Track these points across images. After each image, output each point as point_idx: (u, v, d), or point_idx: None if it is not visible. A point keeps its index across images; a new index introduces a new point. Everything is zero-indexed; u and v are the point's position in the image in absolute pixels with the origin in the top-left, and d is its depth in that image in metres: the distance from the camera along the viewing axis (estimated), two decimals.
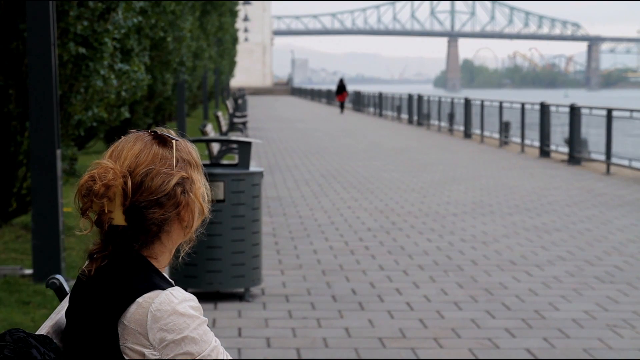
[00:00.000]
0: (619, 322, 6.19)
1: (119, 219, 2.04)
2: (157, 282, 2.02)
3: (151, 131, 2.11)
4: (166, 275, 2.14)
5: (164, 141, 2.10)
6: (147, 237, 2.07)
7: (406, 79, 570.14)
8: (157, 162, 2.07)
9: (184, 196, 2.09)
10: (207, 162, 8.82)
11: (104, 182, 2.02)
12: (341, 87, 48.93)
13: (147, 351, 1.96)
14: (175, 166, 2.08)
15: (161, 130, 2.11)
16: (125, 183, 2.03)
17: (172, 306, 1.97)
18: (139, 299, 1.96)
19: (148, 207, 2.04)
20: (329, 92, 64.81)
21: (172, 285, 2.04)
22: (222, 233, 6.51)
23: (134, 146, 2.08)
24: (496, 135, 24.38)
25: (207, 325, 2.01)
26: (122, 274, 2.02)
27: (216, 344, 2.00)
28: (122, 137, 2.12)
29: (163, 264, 2.13)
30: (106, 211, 2.04)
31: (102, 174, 2.02)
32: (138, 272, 2.03)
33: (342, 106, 48.01)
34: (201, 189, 2.14)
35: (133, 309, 1.96)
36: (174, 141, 2.10)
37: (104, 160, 2.07)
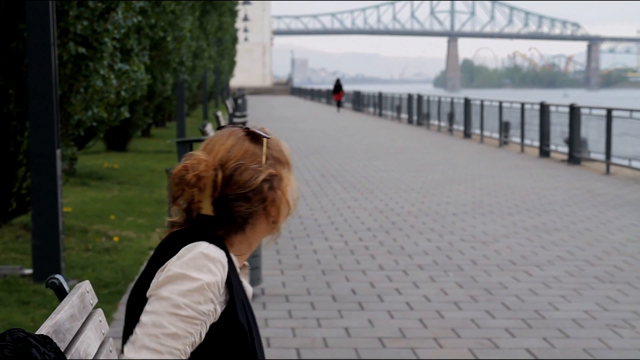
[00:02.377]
0: (619, 322, 6.19)
1: (207, 208, 2.15)
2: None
3: (244, 127, 2.21)
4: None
5: (255, 138, 2.20)
6: (231, 228, 2.16)
7: (406, 79, 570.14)
8: (248, 157, 2.16)
9: (271, 192, 2.17)
10: None
11: (195, 172, 2.12)
12: (338, 87, 51.03)
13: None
14: (265, 163, 2.17)
15: (254, 128, 2.21)
16: (216, 175, 2.13)
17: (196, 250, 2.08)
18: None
19: (235, 200, 2.13)
20: (328, 92, 64.82)
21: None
22: None
23: (226, 141, 2.18)
24: (496, 135, 24.38)
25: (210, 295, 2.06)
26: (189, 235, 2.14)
27: (190, 311, 2.03)
28: (217, 131, 2.24)
29: (239, 252, 2.21)
30: (195, 200, 2.14)
31: (194, 165, 2.13)
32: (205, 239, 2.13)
33: (339, 104, 49.88)
34: (289, 186, 2.21)
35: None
36: (264, 139, 2.20)
37: (198, 152, 2.18)
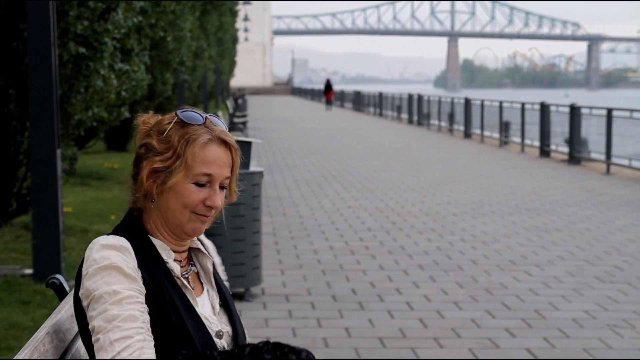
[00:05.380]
0: (619, 322, 6.19)
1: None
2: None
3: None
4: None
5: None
6: (136, 195, 2.30)
7: (406, 79, 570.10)
8: (155, 126, 2.26)
9: (144, 161, 2.24)
10: None
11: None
12: (328, 87, 54.43)
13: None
14: (165, 136, 2.22)
15: (193, 108, 2.29)
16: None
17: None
18: None
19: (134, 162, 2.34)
20: None
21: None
22: (222, 233, 6.51)
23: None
24: (496, 135, 24.38)
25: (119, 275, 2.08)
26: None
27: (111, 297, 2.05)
28: None
29: (156, 228, 2.26)
30: None
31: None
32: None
33: (329, 103, 53.15)
34: (155, 166, 2.21)
35: None
36: (176, 115, 2.25)
37: None
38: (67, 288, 2.39)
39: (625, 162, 16.36)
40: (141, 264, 2.12)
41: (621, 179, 15.31)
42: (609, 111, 16.89)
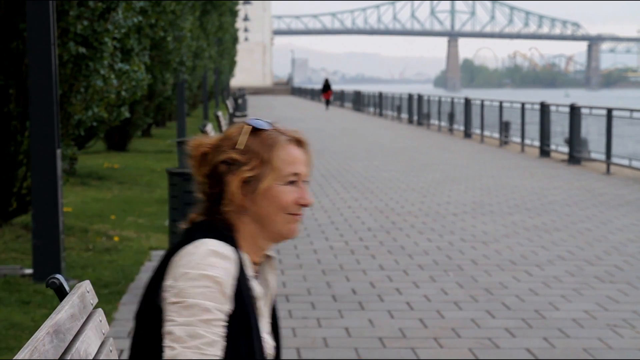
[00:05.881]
0: (619, 322, 6.19)
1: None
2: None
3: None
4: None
5: (255, 129, 2.28)
6: (214, 209, 2.26)
7: (406, 79, 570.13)
8: (225, 140, 2.27)
9: (227, 176, 2.22)
10: None
11: (191, 152, 2.32)
12: (326, 86, 54.50)
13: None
14: (239, 149, 2.22)
15: (257, 118, 2.30)
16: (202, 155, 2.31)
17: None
18: None
19: (204, 178, 2.30)
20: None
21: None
22: None
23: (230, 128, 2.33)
24: (496, 135, 24.38)
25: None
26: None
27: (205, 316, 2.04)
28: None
29: (245, 245, 2.25)
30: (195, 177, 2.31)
31: (194, 144, 2.31)
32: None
33: (327, 103, 53.06)
34: (244, 179, 2.21)
35: None
36: (248, 126, 2.25)
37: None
38: (67, 288, 2.39)
39: (625, 162, 16.36)
40: (237, 277, 2.12)
41: (621, 179, 15.31)
42: (609, 111, 16.89)
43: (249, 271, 2.19)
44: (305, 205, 2.23)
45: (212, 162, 2.21)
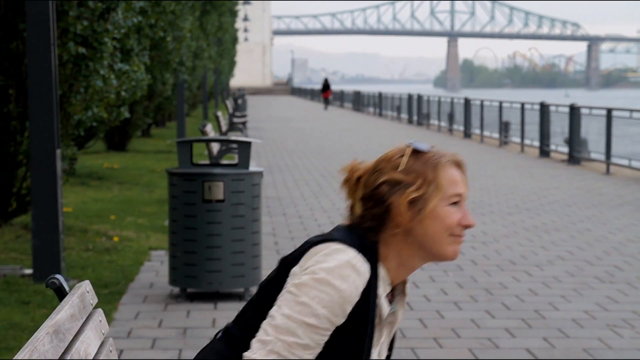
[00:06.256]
0: (619, 322, 6.19)
1: (358, 210, 2.35)
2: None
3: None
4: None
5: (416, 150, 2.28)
6: (368, 233, 2.28)
7: (406, 79, 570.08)
8: (385, 162, 2.27)
9: (391, 197, 2.23)
10: (207, 162, 8.82)
11: (348, 173, 2.36)
12: (326, 86, 55.08)
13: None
14: (402, 170, 2.23)
15: (422, 142, 2.30)
16: (360, 177, 2.33)
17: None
18: None
19: (362, 200, 2.31)
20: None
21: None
22: (222, 233, 6.50)
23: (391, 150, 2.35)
24: (496, 135, 24.38)
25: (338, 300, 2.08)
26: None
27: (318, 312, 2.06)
28: None
29: (390, 268, 2.26)
30: (349, 200, 2.38)
31: (354, 165, 2.35)
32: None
33: (326, 102, 53.31)
34: (413, 198, 2.21)
35: None
36: (410, 148, 2.26)
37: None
38: (66, 288, 2.39)
39: (625, 162, 16.36)
40: (362, 294, 2.13)
41: (621, 179, 15.32)
42: (609, 111, 16.89)
43: (382, 290, 2.19)
44: (468, 227, 2.23)
45: (373, 184, 2.22)
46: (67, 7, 8.06)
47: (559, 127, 19.77)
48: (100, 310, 2.53)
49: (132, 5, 9.30)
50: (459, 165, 2.26)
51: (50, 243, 6.84)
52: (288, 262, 2.19)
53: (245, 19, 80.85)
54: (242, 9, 68.36)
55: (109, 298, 6.55)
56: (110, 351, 2.50)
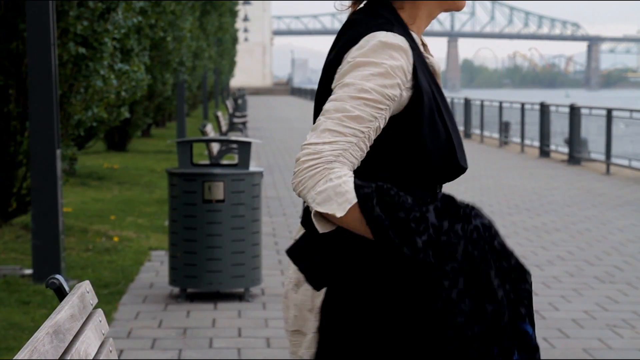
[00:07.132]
0: (619, 322, 6.19)
1: None
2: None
3: None
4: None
5: None
6: None
7: None
8: None
9: None
10: (207, 162, 8.82)
11: None
12: None
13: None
14: None
15: None
16: None
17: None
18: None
19: None
20: None
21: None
22: (222, 233, 6.51)
23: None
24: (496, 135, 24.39)
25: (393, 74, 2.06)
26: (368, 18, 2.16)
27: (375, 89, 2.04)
28: None
29: (419, 26, 2.25)
30: None
31: None
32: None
33: None
34: None
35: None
36: None
37: None
38: (66, 288, 2.39)
39: (625, 162, 16.37)
40: (412, 63, 2.11)
41: (621, 179, 15.31)
42: (609, 111, 16.89)
43: (422, 49, 2.21)
44: None
45: None
46: (67, 7, 8.06)
47: (559, 127, 19.77)
48: (100, 311, 2.53)
49: (132, 5, 9.30)
50: None
51: (50, 243, 6.84)
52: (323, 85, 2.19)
53: (246, 19, 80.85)
54: (242, 9, 68.37)
55: (109, 298, 6.55)
56: (110, 351, 2.50)
